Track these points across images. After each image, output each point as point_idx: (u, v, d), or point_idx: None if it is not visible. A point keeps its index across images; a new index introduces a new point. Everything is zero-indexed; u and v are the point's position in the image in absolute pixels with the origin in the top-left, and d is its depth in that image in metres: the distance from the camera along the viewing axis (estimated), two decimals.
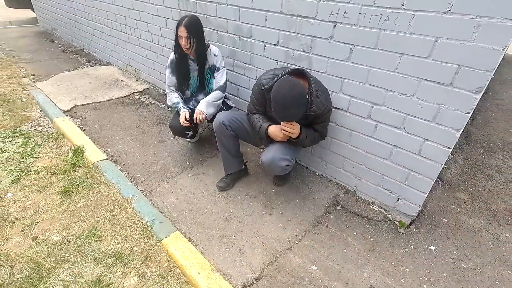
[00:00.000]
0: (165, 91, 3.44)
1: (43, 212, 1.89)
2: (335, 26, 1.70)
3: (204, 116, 2.12)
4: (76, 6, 4.59)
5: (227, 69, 2.31)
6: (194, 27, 2.03)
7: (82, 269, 1.56)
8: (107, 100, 3.40)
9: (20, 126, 2.81)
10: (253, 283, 1.51)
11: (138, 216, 1.86)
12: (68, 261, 1.60)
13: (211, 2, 2.36)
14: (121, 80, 3.92)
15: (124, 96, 3.52)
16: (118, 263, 1.60)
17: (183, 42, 2.02)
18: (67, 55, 4.98)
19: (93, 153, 2.42)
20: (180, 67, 2.21)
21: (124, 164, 2.37)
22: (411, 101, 1.57)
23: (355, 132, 1.89)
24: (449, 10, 1.30)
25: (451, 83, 1.41)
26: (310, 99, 1.61)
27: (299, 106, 1.50)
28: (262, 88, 1.71)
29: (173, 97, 2.29)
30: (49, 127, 2.86)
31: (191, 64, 2.21)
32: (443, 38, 1.36)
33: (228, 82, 2.33)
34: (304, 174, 2.28)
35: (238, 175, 2.18)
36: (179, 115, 2.20)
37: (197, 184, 2.18)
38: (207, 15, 2.46)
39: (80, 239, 1.72)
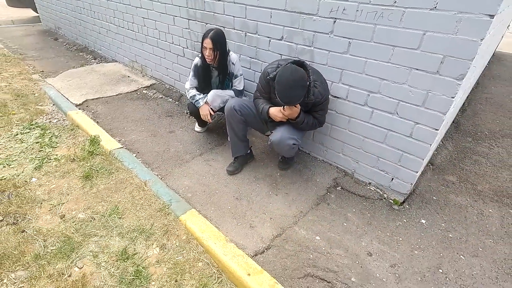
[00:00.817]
0: (172, 86, 3.62)
1: (68, 194, 2.06)
2: (335, 22, 1.89)
3: (210, 113, 2.41)
4: (82, 5, 4.73)
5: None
6: (219, 40, 2.21)
7: (108, 242, 1.73)
8: (116, 95, 3.56)
9: (35, 119, 2.96)
10: (264, 251, 1.69)
11: (156, 196, 2.04)
12: (95, 235, 1.76)
13: (219, 0, 2.53)
14: (128, 76, 4.08)
15: (133, 91, 3.68)
16: (141, 237, 1.77)
17: (207, 53, 2.21)
18: (72, 53, 5.12)
19: (109, 142, 2.58)
20: (203, 74, 2.41)
21: (138, 152, 2.54)
22: (403, 88, 1.76)
23: (353, 119, 2.07)
24: (435, 7, 1.49)
25: (437, 71, 1.60)
26: (308, 89, 1.79)
27: (300, 88, 1.69)
28: (268, 77, 1.89)
29: (191, 92, 2.48)
30: (63, 120, 3.01)
31: (213, 71, 2.41)
32: (430, 31, 1.55)
33: (245, 91, 2.56)
34: (306, 160, 2.47)
35: (245, 159, 2.37)
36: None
37: (208, 169, 2.36)
38: (215, 12, 2.63)
39: (104, 217, 1.89)
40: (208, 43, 2.18)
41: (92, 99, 3.41)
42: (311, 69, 1.86)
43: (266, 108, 1.98)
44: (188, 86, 2.50)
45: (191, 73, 2.46)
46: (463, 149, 2.78)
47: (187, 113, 2.63)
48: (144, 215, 1.90)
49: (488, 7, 1.36)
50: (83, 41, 5.34)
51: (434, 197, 2.13)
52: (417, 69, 1.66)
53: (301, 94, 1.71)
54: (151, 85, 3.84)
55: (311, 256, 1.66)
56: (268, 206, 2.01)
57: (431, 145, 1.78)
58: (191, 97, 2.46)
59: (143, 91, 3.72)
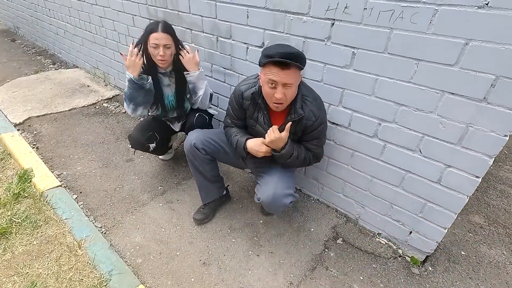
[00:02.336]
0: None
1: None
2: (333, 24, 1.37)
3: (195, 58, 1.71)
4: (36, 2, 4.07)
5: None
6: (173, 33, 1.64)
7: None
8: (69, 110, 2.96)
9: None
10: None
11: (91, 265, 1.48)
12: None
13: None
14: (88, 86, 3.47)
15: (90, 105, 3.08)
16: None
17: (160, 52, 1.59)
18: (29, 57, 4.45)
19: (44, 179, 2.00)
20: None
21: (81, 192, 1.97)
22: (430, 118, 1.25)
23: (358, 153, 1.57)
24: (486, 4, 0.99)
25: (484, 98, 1.10)
26: (295, 100, 1.30)
27: (298, 52, 1.19)
28: (242, 97, 1.38)
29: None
30: None
31: (161, 78, 1.76)
32: (476, 40, 1.04)
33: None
34: (297, 199, 1.95)
35: (218, 202, 1.83)
36: (142, 118, 1.86)
37: (169, 216, 1.81)
38: (179, 11, 2.07)
39: None
40: (161, 38, 1.57)
41: (37, 116, 2.81)
42: (301, 82, 1.35)
43: (242, 142, 1.45)
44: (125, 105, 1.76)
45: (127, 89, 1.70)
46: (483, 176, 2.31)
47: (129, 146, 1.94)
48: None
49: None
50: (42, 43, 4.68)
51: (462, 252, 1.65)
52: (452, 93, 1.16)
53: (300, 54, 1.20)
54: (113, 96, 3.25)
55: None
56: (247, 275, 1.48)
57: (468, 196, 1.28)
58: (125, 93, 1.70)
59: (104, 104, 3.13)
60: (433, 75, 1.18)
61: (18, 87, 3.36)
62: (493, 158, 1.17)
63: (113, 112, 3.00)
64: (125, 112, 3.00)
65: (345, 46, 1.37)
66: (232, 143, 1.50)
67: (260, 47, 1.71)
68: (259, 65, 1.24)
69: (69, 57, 4.07)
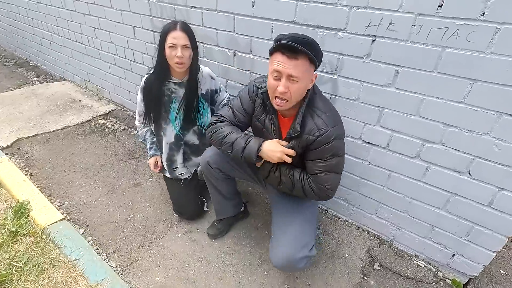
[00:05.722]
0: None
1: None
2: (374, 41, 1.28)
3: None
4: (16, 10, 3.78)
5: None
6: (193, 34, 1.47)
7: None
8: (62, 129, 2.72)
9: None
10: None
11: None
12: None
13: (195, 7, 1.84)
14: (80, 100, 3.23)
15: (85, 122, 2.86)
16: None
17: (178, 53, 1.40)
18: (9, 69, 4.12)
19: (44, 212, 1.79)
20: (157, 93, 1.56)
21: (88, 226, 1.77)
22: (483, 140, 1.19)
23: (396, 174, 1.49)
24: None
25: None
26: (302, 118, 1.13)
27: (311, 40, 1.03)
28: (257, 93, 1.25)
29: (144, 130, 1.78)
30: None
31: (173, 89, 1.58)
32: None
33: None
34: (325, 220, 1.84)
35: (234, 219, 1.75)
36: (178, 182, 1.80)
37: (191, 247, 1.66)
38: (190, 23, 1.92)
39: None
40: (179, 37, 1.40)
41: (27, 137, 2.56)
42: (317, 89, 1.22)
43: (258, 142, 1.19)
44: (137, 117, 1.75)
45: (140, 97, 1.64)
46: None
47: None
48: None
49: None
50: (23, 54, 4.36)
51: (501, 271, 1.60)
52: (511, 115, 1.10)
53: (313, 43, 1.03)
54: (109, 112, 3.03)
55: None
56: None
57: None
58: (144, 138, 1.80)
59: (99, 120, 2.91)
60: (490, 96, 1.11)
61: (1, 104, 3.08)
62: None
63: (111, 129, 2.79)
64: (124, 129, 2.80)
65: (387, 63, 1.29)
66: (228, 141, 1.22)
67: None
68: (269, 54, 1.12)
69: (55, 69, 3.80)
